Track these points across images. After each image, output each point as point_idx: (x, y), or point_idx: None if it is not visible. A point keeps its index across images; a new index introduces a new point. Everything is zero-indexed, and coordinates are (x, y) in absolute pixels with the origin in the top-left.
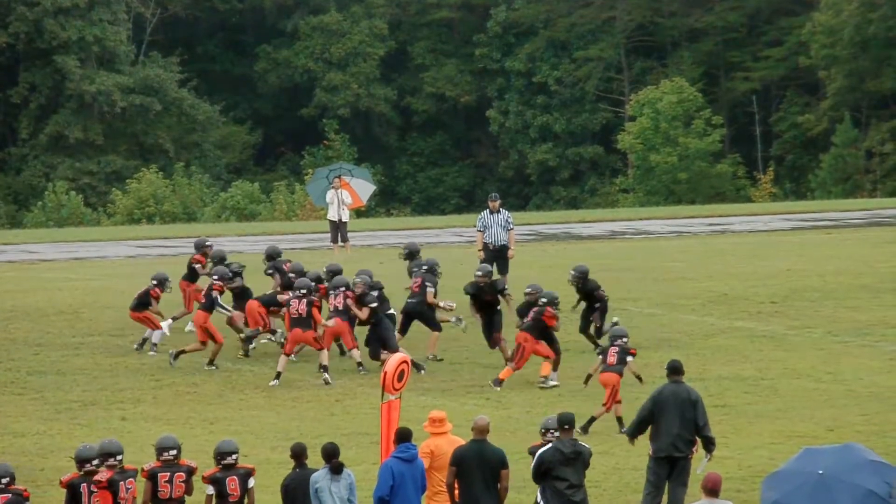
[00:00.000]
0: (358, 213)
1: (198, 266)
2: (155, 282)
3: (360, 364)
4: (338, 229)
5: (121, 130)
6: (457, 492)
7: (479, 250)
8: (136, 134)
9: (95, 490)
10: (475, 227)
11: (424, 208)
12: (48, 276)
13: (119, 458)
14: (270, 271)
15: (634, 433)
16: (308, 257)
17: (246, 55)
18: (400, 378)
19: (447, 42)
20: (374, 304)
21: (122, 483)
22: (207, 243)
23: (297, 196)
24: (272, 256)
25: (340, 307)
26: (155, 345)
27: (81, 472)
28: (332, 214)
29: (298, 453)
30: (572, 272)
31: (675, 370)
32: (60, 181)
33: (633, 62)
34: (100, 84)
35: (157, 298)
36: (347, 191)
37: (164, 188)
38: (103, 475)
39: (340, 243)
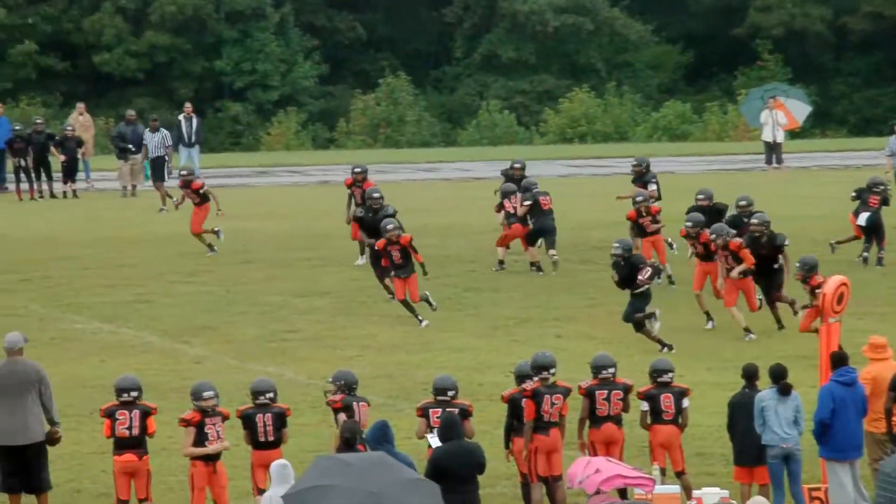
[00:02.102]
0: (792, 134)
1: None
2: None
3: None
4: (772, 150)
5: (553, 50)
6: (894, 419)
7: (886, 172)
8: (568, 53)
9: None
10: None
11: (861, 129)
12: (481, 195)
13: (552, 371)
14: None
15: None
16: (742, 178)
17: None
18: (839, 301)
19: None
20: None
21: (547, 396)
22: (357, 169)
23: (729, 116)
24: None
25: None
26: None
27: (519, 388)
28: (767, 135)
29: (750, 374)
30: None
31: None
32: (494, 100)
33: None
34: (532, 3)
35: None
36: (782, 111)
37: (596, 108)
38: (529, 385)
39: (775, 164)
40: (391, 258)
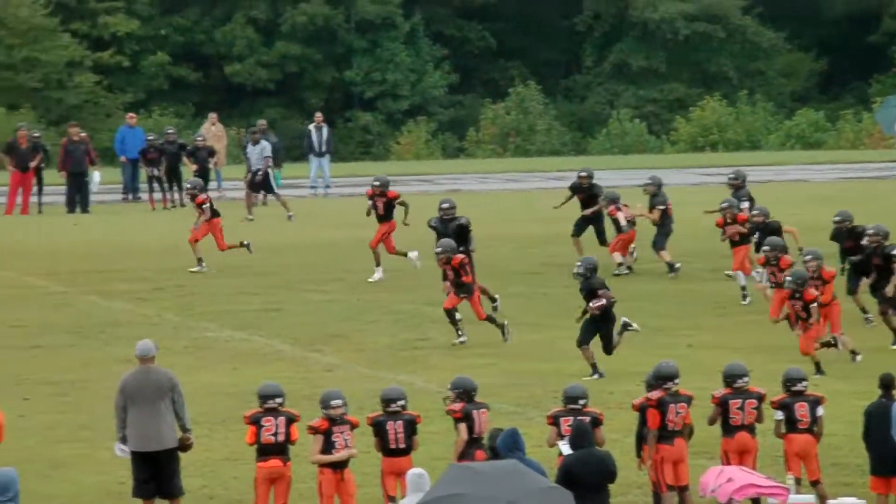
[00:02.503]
0: None
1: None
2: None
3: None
4: None
5: (684, 58)
6: None
7: None
8: (699, 62)
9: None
10: None
11: None
12: None
13: (676, 381)
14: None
15: None
16: (879, 186)
17: None
18: None
19: None
20: None
21: (672, 405)
22: (377, 182)
23: (864, 125)
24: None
25: None
26: None
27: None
28: None
29: (887, 384)
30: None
31: None
32: (624, 109)
33: None
34: (663, 12)
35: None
36: None
37: (728, 116)
38: (654, 394)
39: None
40: (450, 276)
